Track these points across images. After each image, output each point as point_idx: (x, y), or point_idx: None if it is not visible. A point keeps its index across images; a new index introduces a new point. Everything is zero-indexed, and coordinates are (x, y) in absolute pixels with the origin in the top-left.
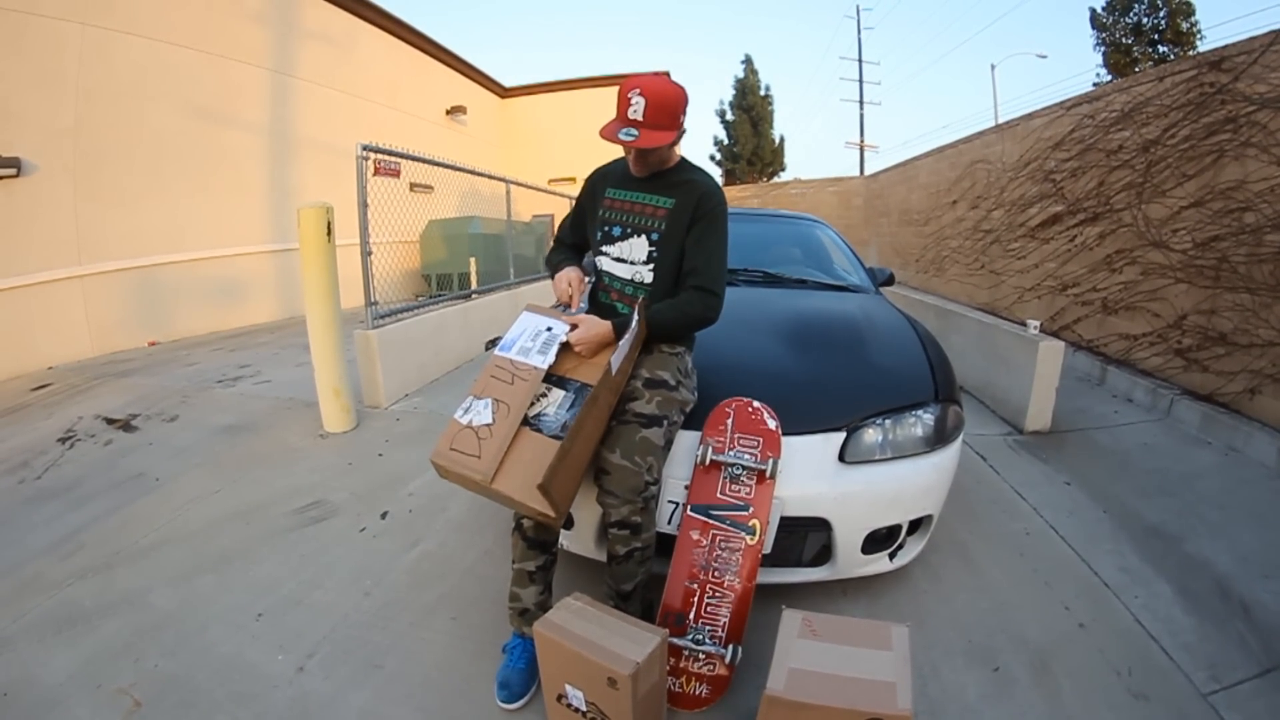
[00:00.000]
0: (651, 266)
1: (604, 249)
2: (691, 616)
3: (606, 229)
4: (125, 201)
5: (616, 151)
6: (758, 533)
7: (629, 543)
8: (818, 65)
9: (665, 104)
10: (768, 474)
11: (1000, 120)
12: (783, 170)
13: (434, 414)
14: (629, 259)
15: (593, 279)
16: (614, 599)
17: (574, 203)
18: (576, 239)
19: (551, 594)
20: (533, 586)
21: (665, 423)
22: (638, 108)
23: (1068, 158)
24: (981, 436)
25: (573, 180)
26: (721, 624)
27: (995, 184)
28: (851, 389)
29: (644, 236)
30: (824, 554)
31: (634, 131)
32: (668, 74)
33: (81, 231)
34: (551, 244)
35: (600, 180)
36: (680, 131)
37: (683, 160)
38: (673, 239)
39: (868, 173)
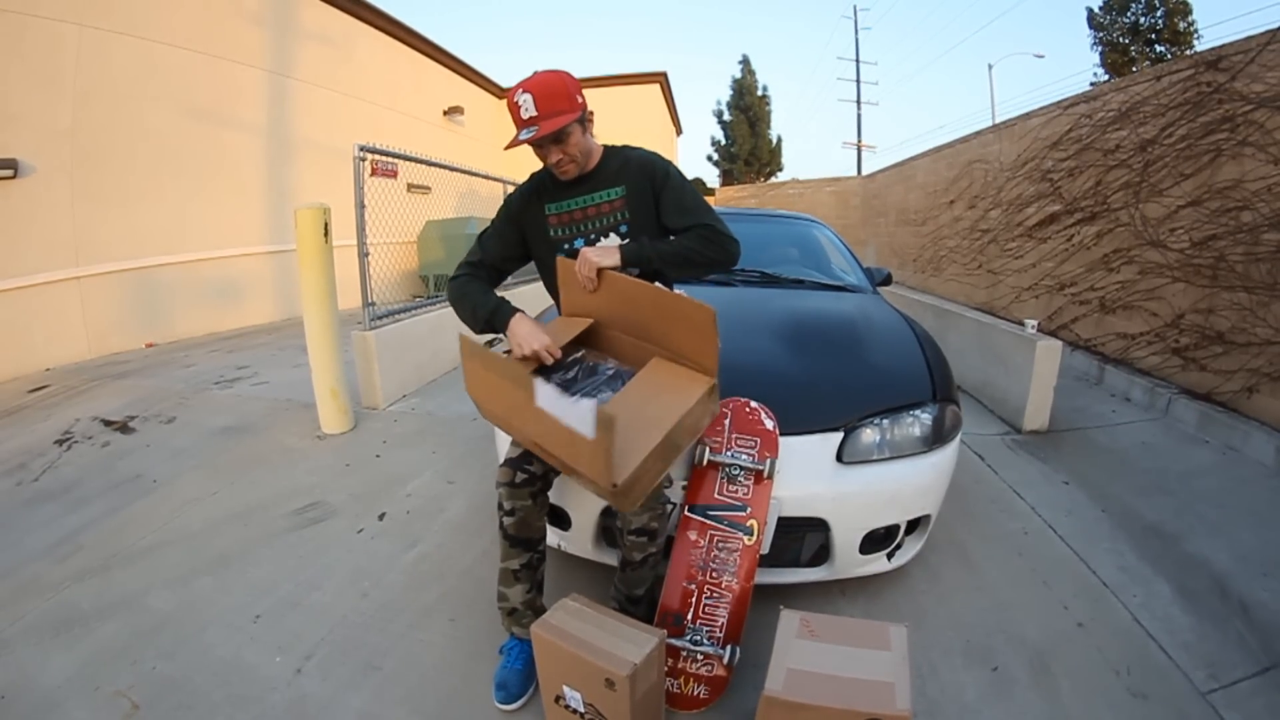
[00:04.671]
0: None
1: None
2: (690, 617)
3: (567, 247)
4: (123, 202)
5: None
6: (755, 533)
7: (645, 549)
8: (815, 66)
9: (552, 91)
10: (765, 474)
11: (997, 120)
12: (780, 170)
13: (431, 415)
14: None
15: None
16: (622, 603)
17: (495, 224)
18: (500, 262)
19: (541, 594)
20: (518, 585)
21: None
22: (528, 104)
23: (1065, 157)
24: (979, 436)
25: None
26: (720, 624)
27: (993, 184)
28: (849, 389)
29: (612, 235)
30: (822, 554)
31: (533, 127)
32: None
33: (79, 233)
34: (465, 262)
35: (531, 199)
36: (582, 110)
37: (607, 148)
38: (644, 221)
39: (865, 173)
